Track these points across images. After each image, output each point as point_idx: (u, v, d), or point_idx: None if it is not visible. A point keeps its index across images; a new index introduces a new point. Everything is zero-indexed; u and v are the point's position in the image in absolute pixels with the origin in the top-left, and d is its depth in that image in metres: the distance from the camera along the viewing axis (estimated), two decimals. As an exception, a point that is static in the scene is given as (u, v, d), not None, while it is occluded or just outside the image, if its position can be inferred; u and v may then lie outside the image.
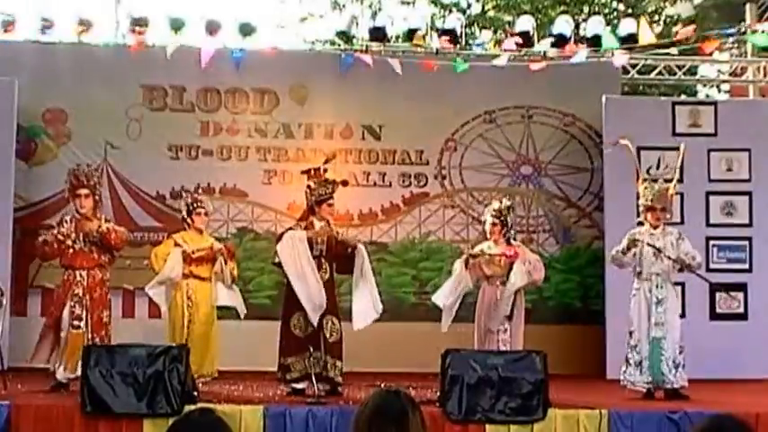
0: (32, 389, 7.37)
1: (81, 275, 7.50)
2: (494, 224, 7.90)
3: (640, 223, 7.90)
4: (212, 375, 7.71)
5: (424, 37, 9.43)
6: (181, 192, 8.40)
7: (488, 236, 7.96)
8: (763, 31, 8.58)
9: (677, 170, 8.18)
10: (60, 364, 7.40)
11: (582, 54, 8.42)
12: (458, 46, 9.48)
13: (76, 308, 7.44)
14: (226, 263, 7.74)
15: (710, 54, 9.75)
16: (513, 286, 7.71)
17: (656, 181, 8.03)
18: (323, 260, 7.51)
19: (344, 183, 7.82)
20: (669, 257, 7.59)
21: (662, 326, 7.55)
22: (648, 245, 7.62)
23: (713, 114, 9.99)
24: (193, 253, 7.64)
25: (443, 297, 7.82)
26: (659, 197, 7.78)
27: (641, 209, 7.92)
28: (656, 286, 7.65)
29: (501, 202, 8.12)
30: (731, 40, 8.39)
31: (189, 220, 7.88)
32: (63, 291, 7.54)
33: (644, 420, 6.64)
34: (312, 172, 7.76)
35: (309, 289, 7.32)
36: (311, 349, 7.27)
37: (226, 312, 8.12)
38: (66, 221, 7.63)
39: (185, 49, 9.36)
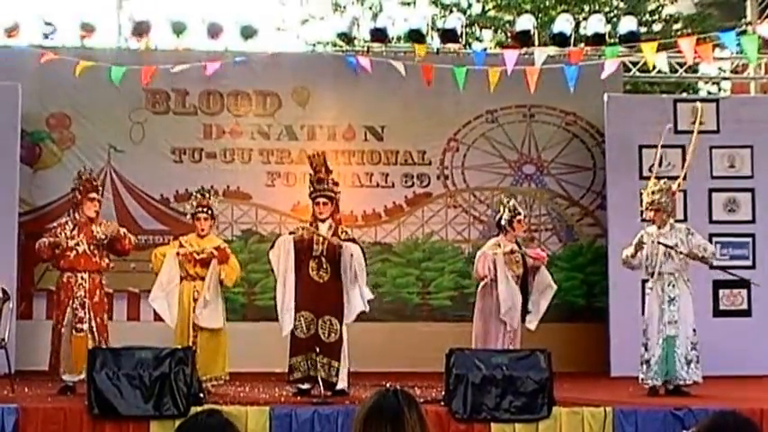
0: (39, 392, 7.41)
1: (83, 278, 7.54)
2: (522, 221, 7.98)
3: (647, 221, 7.96)
4: (224, 377, 7.71)
5: (424, 36, 9.45)
6: (187, 194, 8.41)
7: (513, 232, 7.99)
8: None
9: (691, 146, 8.22)
10: (66, 367, 7.43)
11: (573, 70, 8.46)
12: (458, 46, 9.53)
13: (79, 311, 7.48)
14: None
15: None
16: (553, 290, 7.98)
17: (660, 179, 8.05)
18: (323, 260, 7.53)
19: (320, 180, 7.71)
20: (682, 253, 7.65)
21: (675, 324, 7.62)
22: (660, 243, 7.67)
23: (715, 111, 9.99)
24: (197, 254, 7.66)
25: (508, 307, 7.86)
26: (656, 197, 7.82)
27: (642, 207, 7.98)
28: (669, 285, 7.71)
29: (510, 200, 8.20)
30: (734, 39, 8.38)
31: (193, 224, 7.92)
32: (63, 294, 7.57)
33: (649, 417, 6.66)
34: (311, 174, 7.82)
35: (285, 299, 7.40)
36: (317, 350, 7.32)
37: (230, 314, 8.14)
38: (69, 224, 7.67)
39: (187, 52, 9.41)
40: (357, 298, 7.42)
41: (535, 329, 7.93)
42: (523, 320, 7.90)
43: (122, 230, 7.75)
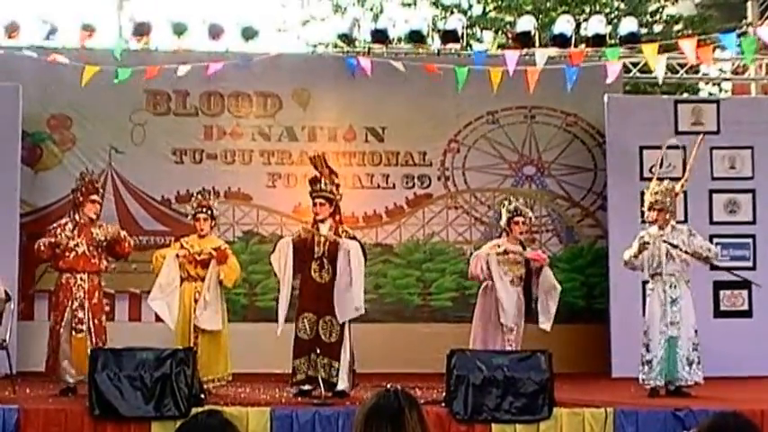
0: (40, 393, 7.42)
1: (82, 279, 7.56)
2: (522, 222, 7.97)
3: (647, 222, 7.95)
4: (226, 378, 7.72)
5: (424, 37, 9.46)
6: (188, 196, 8.41)
7: (511, 233, 7.98)
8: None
9: (690, 161, 8.23)
10: (66, 368, 7.44)
11: (573, 71, 8.46)
12: (459, 47, 9.55)
13: (78, 312, 7.49)
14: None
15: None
16: (557, 290, 7.93)
17: (662, 180, 8.05)
18: (325, 261, 7.55)
19: (314, 180, 7.77)
20: (687, 252, 7.66)
21: (677, 325, 7.64)
22: (665, 242, 7.68)
23: (716, 112, 9.99)
24: (199, 255, 7.67)
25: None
26: (658, 198, 7.82)
27: (645, 207, 7.98)
28: (670, 286, 7.72)
29: (513, 201, 8.18)
30: (734, 42, 8.41)
31: (194, 225, 7.94)
32: (62, 294, 7.58)
33: (649, 418, 6.67)
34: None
35: (282, 301, 7.47)
36: (317, 351, 7.33)
37: (231, 315, 8.14)
38: (69, 225, 7.68)
39: (188, 53, 9.42)
40: (349, 300, 7.42)
41: (535, 330, 7.93)
42: (529, 321, 7.91)
43: (123, 233, 7.77)
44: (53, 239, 7.58)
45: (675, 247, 7.67)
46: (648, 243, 7.74)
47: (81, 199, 7.71)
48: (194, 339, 7.54)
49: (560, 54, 9.18)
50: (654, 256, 7.76)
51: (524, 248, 8.06)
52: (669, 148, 8.50)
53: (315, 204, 7.68)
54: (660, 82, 9.03)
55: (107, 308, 8.09)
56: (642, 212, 8.13)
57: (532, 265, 7.96)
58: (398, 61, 9.12)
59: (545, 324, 7.87)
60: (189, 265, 7.68)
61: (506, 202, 8.24)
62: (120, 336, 7.89)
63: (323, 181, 7.70)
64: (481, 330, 7.91)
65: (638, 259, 7.82)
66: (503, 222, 8.11)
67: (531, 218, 8.25)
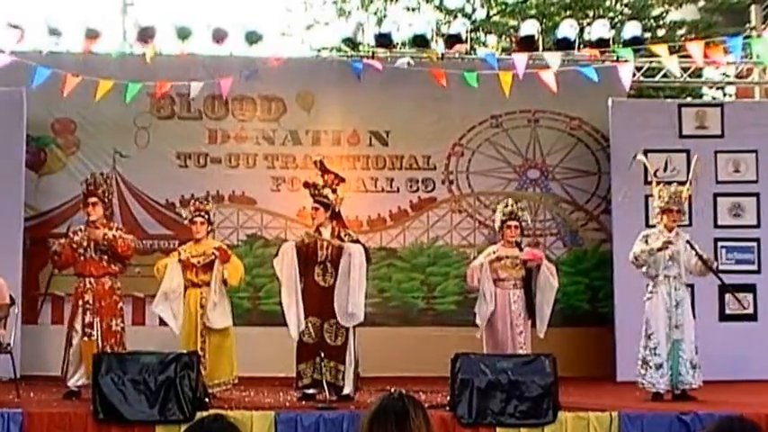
0: (45, 397, 7.43)
1: (91, 283, 7.57)
2: (514, 226, 7.94)
3: (661, 223, 7.90)
4: (233, 381, 7.73)
5: (428, 41, 9.46)
6: (190, 200, 8.43)
7: (503, 237, 7.96)
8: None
9: (691, 172, 8.24)
10: (74, 372, 7.45)
11: (590, 70, 8.46)
12: (464, 50, 9.54)
13: (87, 315, 7.50)
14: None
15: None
16: (553, 289, 7.86)
17: (669, 183, 8.04)
18: (328, 265, 7.57)
19: (305, 185, 7.87)
20: (701, 257, 7.65)
21: (681, 328, 7.64)
22: (687, 242, 7.66)
23: (720, 116, 9.99)
24: (196, 260, 7.67)
25: (482, 317, 7.82)
26: (675, 199, 7.81)
27: (656, 211, 7.94)
28: (675, 288, 7.70)
29: (510, 204, 8.14)
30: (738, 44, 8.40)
31: (190, 229, 7.94)
32: (74, 299, 7.62)
33: (654, 422, 6.66)
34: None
35: (291, 304, 7.45)
36: (322, 355, 7.33)
37: (235, 319, 8.14)
38: (81, 229, 7.70)
39: (192, 57, 9.42)
40: (350, 305, 7.44)
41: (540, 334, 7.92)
42: (533, 325, 7.90)
43: (113, 233, 7.64)
44: (56, 248, 7.68)
45: (692, 248, 7.67)
46: (671, 242, 7.68)
47: (82, 203, 7.77)
48: (201, 343, 7.56)
49: (565, 58, 9.17)
50: (663, 258, 7.72)
51: (521, 249, 8.03)
52: (668, 151, 8.47)
53: (312, 208, 7.72)
54: (678, 74, 8.98)
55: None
56: (647, 215, 8.11)
57: (529, 265, 7.92)
58: (406, 63, 9.10)
59: (540, 331, 7.84)
60: (191, 273, 7.69)
61: (501, 205, 8.22)
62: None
63: (317, 186, 7.73)
64: (489, 334, 7.90)
65: (652, 256, 7.74)
66: (497, 226, 8.11)
67: (526, 221, 8.20)
